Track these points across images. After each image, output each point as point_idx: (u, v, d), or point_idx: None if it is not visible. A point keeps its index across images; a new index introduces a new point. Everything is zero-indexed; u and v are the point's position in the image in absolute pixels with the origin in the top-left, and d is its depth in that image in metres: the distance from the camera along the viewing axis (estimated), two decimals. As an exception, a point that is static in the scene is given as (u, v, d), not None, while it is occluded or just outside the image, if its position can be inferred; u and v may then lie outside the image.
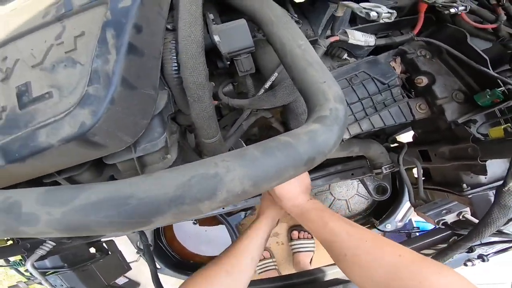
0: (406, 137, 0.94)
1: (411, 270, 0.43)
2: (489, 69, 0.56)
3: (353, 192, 1.22)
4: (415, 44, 0.65)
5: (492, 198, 0.64)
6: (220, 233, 1.21)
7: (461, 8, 0.55)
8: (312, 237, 1.28)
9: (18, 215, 0.28)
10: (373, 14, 0.46)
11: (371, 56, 0.66)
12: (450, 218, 0.67)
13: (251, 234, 0.63)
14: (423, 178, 0.82)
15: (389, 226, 1.12)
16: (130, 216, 0.28)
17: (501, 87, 0.54)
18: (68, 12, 0.31)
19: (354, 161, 0.88)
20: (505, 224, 0.57)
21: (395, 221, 1.11)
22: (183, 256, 1.24)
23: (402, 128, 0.86)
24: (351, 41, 0.59)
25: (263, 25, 0.45)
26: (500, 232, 0.60)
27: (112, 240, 0.95)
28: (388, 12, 0.47)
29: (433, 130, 0.71)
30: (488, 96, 0.55)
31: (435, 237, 0.76)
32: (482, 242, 0.71)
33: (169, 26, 0.36)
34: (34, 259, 0.69)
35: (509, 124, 0.54)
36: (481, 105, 0.57)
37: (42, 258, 0.73)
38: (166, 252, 1.22)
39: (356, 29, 0.62)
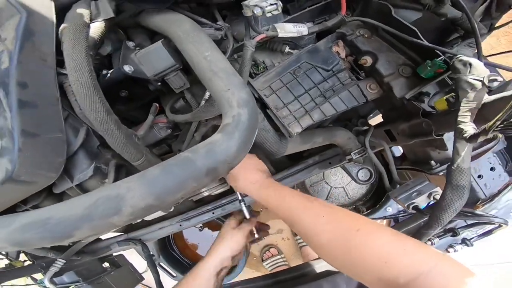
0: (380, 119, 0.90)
1: (372, 248, 0.39)
2: (422, 40, 0.52)
3: (348, 179, 1.18)
4: (353, 25, 0.62)
5: None
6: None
7: None
8: (279, 252, 1.27)
9: None
10: (257, 10, 0.46)
11: (310, 45, 0.64)
12: (421, 200, 0.64)
13: (194, 275, 0.60)
14: (400, 155, 0.78)
15: (389, 209, 1.06)
16: (53, 232, 0.34)
17: (441, 56, 0.50)
18: None
19: (329, 150, 0.86)
20: (479, 205, 0.53)
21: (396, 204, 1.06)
22: (196, 261, 1.31)
23: (371, 110, 0.82)
24: (281, 34, 0.58)
25: (175, 42, 0.47)
26: (473, 215, 0.56)
27: (122, 254, 1.05)
28: (272, 4, 0.46)
29: (391, 108, 0.67)
30: (429, 67, 0.52)
31: (413, 224, 0.73)
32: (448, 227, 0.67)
33: (64, 71, 0.40)
34: (50, 276, 0.80)
35: (451, 94, 0.49)
36: (424, 77, 0.54)
37: (59, 274, 0.83)
38: (180, 260, 1.29)
39: (287, 21, 0.62)
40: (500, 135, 0.50)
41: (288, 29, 0.59)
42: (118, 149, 0.41)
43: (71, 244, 0.69)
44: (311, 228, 0.47)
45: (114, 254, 1.01)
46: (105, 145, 0.47)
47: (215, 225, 1.35)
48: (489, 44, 1.37)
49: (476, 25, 0.51)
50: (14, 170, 0.34)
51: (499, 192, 0.64)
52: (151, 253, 0.98)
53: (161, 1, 0.46)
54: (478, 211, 0.55)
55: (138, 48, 0.51)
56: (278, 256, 1.30)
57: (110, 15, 0.45)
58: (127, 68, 0.47)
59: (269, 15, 0.49)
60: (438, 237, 0.65)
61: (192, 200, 1.04)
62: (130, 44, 0.51)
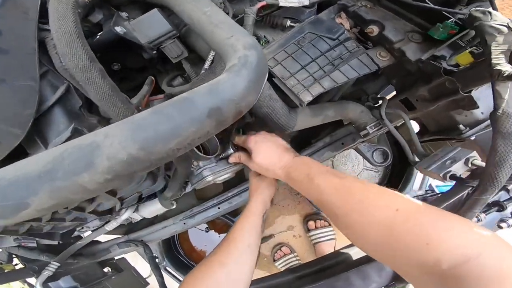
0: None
1: (412, 229, 0.31)
2: (428, 3, 0.45)
3: (360, 167, 1.07)
4: None
5: None
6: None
7: None
8: (330, 224, 1.14)
9: None
10: None
11: (313, 16, 0.58)
12: (458, 168, 0.53)
13: (242, 220, 0.56)
14: (418, 131, 0.69)
15: (419, 193, 0.95)
16: (4, 199, 0.23)
17: (450, 18, 0.44)
18: None
19: (341, 129, 0.76)
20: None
21: (413, 190, 0.95)
22: (203, 265, 1.18)
23: (380, 88, 0.74)
24: (281, 3, 0.52)
25: (173, 8, 0.40)
26: None
27: (124, 258, 0.92)
28: None
29: (405, 74, 0.59)
30: (441, 29, 0.46)
31: (454, 198, 0.62)
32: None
33: (46, 27, 0.34)
34: (42, 280, 0.68)
35: (474, 47, 0.42)
36: (438, 39, 0.47)
37: (54, 278, 0.72)
38: (187, 263, 1.16)
39: None
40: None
41: None
42: (102, 102, 0.31)
43: (59, 242, 0.58)
44: (342, 208, 0.40)
45: (116, 257, 0.89)
46: (91, 109, 0.38)
47: (221, 226, 1.23)
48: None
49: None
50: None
51: None
52: (155, 255, 0.86)
53: None
54: None
55: (131, 18, 0.44)
56: (291, 255, 1.16)
57: None
58: (119, 29, 0.39)
59: None
60: (483, 212, 0.54)
61: (195, 196, 0.94)
62: (123, 14, 0.44)
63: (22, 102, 0.30)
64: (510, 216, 0.52)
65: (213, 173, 0.61)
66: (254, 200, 0.59)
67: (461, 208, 0.41)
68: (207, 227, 1.18)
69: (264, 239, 1.23)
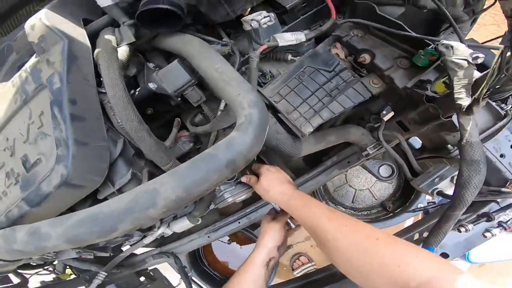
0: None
1: (388, 255, 0.44)
2: (409, 32, 0.56)
3: (373, 179, 1.16)
4: (346, 26, 0.67)
5: (486, 152, 0.60)
6: (251, 247, 1.27)
7: None
8: (309, 260, 1.23)
9: (39, 235, 0.42)
10: (254, 24, 0.52)
11: (311, 50, 0.70)
12: (445, 185, 0.63)
13: (242, 272, 0.63)
14: (419, 148, 0.78)
15: (421, 205, 1.03)
16: (101, 226, 0.40)
17: (431, 45, 0.54)
18: (27, 98, 0.45)
19: (347, 149, 0.88)
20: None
21: (425, 199, 1.02)
22: (227, 274, 1.33)
23: (382, 107, 0.84)
24: (281, 44, 0.64)
25: (189, 60, 0.55)
26: (499, 192, 0.55)
27: (156, 268, 1.10)
28: (265, 17, 0.53)
29: (398, 100, 0.69)
30: (422, 56, 0.55)
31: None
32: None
33: (103, 90, 0.49)
34: (93, 288, 0.87)
35: (447, 77, 0.52)
36: (421, 65, 0.57)
37: (101, 287, 0.90)
38: (211, 274, 1.32)
39: (285, 31, 0.67)
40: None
41: (287, 38, 0.65)
42: (150, 154, 0.47)
43: (111, 254, 0.76)
44: (332, 234, 0.51)
45: (149, 268, 1.07)
46: (139, 154, 0.54)
47: (242, 239, 1.37)
48: (490, 31, 1.36)
49: (447, 11, 0.55)
50: (68, 175, 0.42)
51: None
52: (184, 265, 1.02)
53: (172, 26, 0.54)
54: (505, 189, 0.53)
55: (157, 68, 0.60)
56: (309, 264, 1.27)
57: (131, 40, 0.54)
58: (151, 85, 0.55)
59: (264, 26, 0.56)
60: (472, 223, 0.62)
61: (218, 212, 1.10)
62: (151, 65, 0.60)
63: (100, 159, 0.46)
64: (496, 226, 0.60)
65: (232, 195, 0.75)
66: (257, 250, 0.65)
67: (437, 223, 0.52)
68: (229, 240, 1.33)
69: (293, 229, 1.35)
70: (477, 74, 0.46)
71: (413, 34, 0.58)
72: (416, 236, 0.72)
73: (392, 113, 0.75)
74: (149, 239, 0.89)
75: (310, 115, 0.67)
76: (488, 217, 0.60)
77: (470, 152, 0.46)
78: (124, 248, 0.97)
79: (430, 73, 0.59)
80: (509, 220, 0.59)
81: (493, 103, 0.58)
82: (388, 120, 0.75)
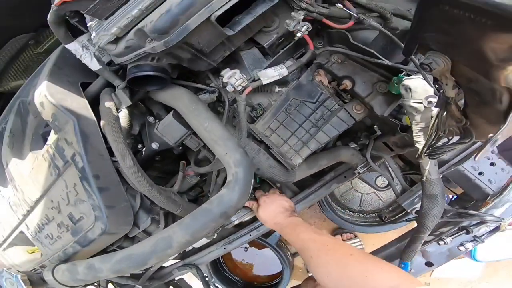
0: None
1: (359, 267, 0.61)
2: (382, 59, 0.66)
3: (378, 184, 1.30)
4: (327, 53, 0.79)
5: (465, 171, 0.73)
6: (269, 252, 1.49)
7: (303, 29, 0.69)
8: (356, 236, 1.40)
9: (94, 269, 0.65)
10: (229, 88, 0.70)
11: (295, 81, 0.82)
12: None
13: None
14: (407, 163, 0.91)
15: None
16: (136, 262, 0.63)
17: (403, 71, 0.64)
18: (59, 172, 0.66)
19: (343, 165, 1.02)
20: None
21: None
22: (248, 279, 1.57)
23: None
24: (265, 82, 0.78)
25: (182, 115, 0.72)
26: (467, 214, 0.68)
27: (182, 278, 1.36)
28: (238, 80, 0.70)
29: (382, 122, 0.82)
30: (396, 84, 0.65)
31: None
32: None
33: (115, 159, 0.67)
34: (131, 301, 1.15)
35: None
36: (395, 93, 0.68)
37: (137, 299, 1.18)
38: (233, 279, 1.57)
39: (268, 66, 0.79)
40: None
41: (270, 75, 0.78)
42: (162, 206, 0.68)
43: (143, 271, 1.01)
44: (315, 253, 0.69)
45: (176, 278, 1.33)
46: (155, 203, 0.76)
47: (258, 244, 1.60)
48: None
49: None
50: (106, 229, 0.64)
51: (507, 185, 0.73)
52: (205, 275, 1.27)
53: (160, 83, 0.71)
54: (472, 211, 0.67)
55: (157, 120, 0.78)
56: (356, 240, 1.45)
57: (128, 103, 0.71)
58: (154, 146, 0.75)
59: (239, 88, 0.71)
60: (451, 235, 0.77)
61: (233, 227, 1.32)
62: (151, 119, 0.78)
63: (126, 214, 0.68)
64: (471, 240, 0.73)
65: (238, 218, 0.95)
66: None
67: (408, 243, 0.67)
68: (246, 246, 1.57)
69: (297, 253, 1.56)
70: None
71: (385, 61, 0.68)
72: None
73: (379, 133, 0.87)
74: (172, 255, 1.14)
75: (299, 147, 0.83)
76: (467, 230, 0.73)
77: (429, 188, 0.61)
78: (152, 263, 1.24)
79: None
80: (484, 234, 0.73)
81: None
82: (376, 140, 0.88)
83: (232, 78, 0.70)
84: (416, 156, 0.59)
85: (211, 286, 1.47)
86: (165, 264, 1.30)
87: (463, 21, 0.28)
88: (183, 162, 0.85)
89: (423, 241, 0.67)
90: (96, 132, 0.67)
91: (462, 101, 0.42)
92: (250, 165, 0.65)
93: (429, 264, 0.82)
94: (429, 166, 0.60)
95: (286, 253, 1.45)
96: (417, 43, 0.38)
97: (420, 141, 0.60)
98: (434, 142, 0.51)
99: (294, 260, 1.52)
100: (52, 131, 0.66)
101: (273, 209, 0.87)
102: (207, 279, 1.31)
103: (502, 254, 1.11)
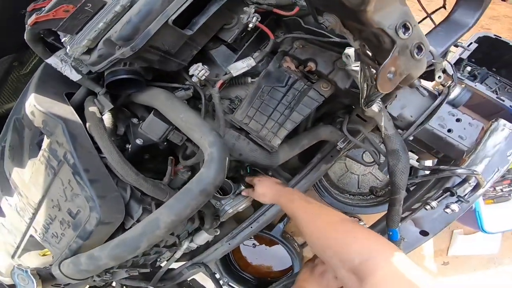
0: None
1: (338, 234, 0.63)
2: (331, 37, 0.74)
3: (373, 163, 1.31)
4: (289, 40, 0.86)
5: (434, 130, 0.76)
6: (278, 247, 1.52)
7: (253, 20, 0.76)
8: (360, 219, 1.41)
9: (94, 257, 0.71)
10: (194, 79, 0.78)
11: (264, 71, 0.88)
12: None
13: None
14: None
15: None
16: (129, 245, 0.68)
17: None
18: (55, 171, 0.73)
19: (327, 145, 1.06)
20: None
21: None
22: (260, 276, 1.60)
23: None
24: (235, 74, 0.86)
25: (161, 112, 0.79)
26: (439, 170, 0.70)
27: (194, 278, 1.41)
28: (201, 70, 0.78)
29: (351, 97, 0.86)
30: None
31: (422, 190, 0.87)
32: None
33: (103, 155, 0.74)
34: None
35: None
36: None
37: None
38: (245, 277, 1.60)
39: (237, 59, 0.88)
40: (462, 86, 0.66)
41: (239, 67, 0.86)
42: (150, 194, 0.75)
43: (150, 270, 1.08)
44: (305, 222, 0.73)
45: (188, 279, 1.38)
46: (145, 193, 0.82)
47: (268, 241, 1.63)
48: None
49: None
50: (100, 218, 0.70)
51: (480, 139, 0.75)
52: (216, 273, 1.31)
53: (137, 86, 0.78)
54: (442, 166, 0.69)
55: (141, 121, 0.85)
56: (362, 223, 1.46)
57: (110, 107, 0.79)
58: (138, 141, 0.82)
59: (202, 78, 0.78)
60: (436, 199, 0.78)
61: (235, 221, 1.36)
62: (135, 120, 0.86)
63: (117, 203, 0.74)
64: (455, 201, 0.74)
65: (232, 207, 1.00)
66: None
67: (388, 208, 0.70)
68: (254, 243, 1.60)
69: (305, 244, 1.57)
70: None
71: (334, 39, 0.75)
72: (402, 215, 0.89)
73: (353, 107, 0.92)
74: (178, 254, 1.19)
75: (276, 129, 0.88)
76: (451, 192, 0.75)
77: (389, 144, 0.64)
78: (162, 264, 1.29)
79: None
80: (466, 193, 0.74)
81: (425, 86, 0.74)
82: (351, 114, 0.92)
83: (196, 70, 0.78)
84: (361, 110, 0.63)
85: (224, 286, 1.51)
86: (175, 265, 1.35)
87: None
88: (171, 157, 0.91)
89: (401, 202, 0.68)
90: (83, 133, 0.74)
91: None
92: (223, 145, 0.70)
93: (423, 233, 0.82)
94: (383, 122, 0.64)
95: (293, 244, 1.47)
96: (314, 8, 0.44)
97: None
98: (369, 92, 0.55)
99: (302, 251, 1.54)
100: (45, 136, 0.74)
101: (268, 183, 0.93)
102: (217, 276, 1.35)
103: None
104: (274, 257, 1.61)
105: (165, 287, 1.30)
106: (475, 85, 1.38)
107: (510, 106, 1.30)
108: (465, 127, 0.76)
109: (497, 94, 1.42)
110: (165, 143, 0.87)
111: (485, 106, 1.39)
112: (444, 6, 0.96)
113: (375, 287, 0.49)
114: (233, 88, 0.97)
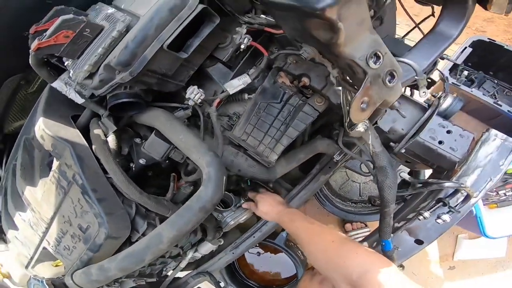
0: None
1: (338, 252, 0.68)
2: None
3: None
4: (283, 56, 0.88)
5: (425, 142, 0.78)
6: (282, 254, 1.54)
7: (245, 41, 0.81)
8: (366, 225, 1.42)
9: (104, 269, 0.75)
10: (190, 102, 0.81)
11: (260, 87, 0.92)
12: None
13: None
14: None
15: None
16: (136, 258, 0.72)
17: None
18: (65, 191, 0.78)
19: (325, 157, 1.09)
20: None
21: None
22: (266, 283, 1.62)
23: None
24: (232, 92, 0.90)
25: (162, 132, 0.83)
26: (428, 183, 0.73)
27: (199, 287, 1.44)
28: (196, 94, 0.82)
29: None
30: None
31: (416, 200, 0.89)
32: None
33: (109, 176, 0.79)
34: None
35: None
36: None
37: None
38: (251, 285, 1.62)
39: (233, 77, 0.91)
40: (453, 95, 0.68)
41: (235, 85, 0.90)
42: (154, 210, 0.79)
43: (157, 279, 1.12)
44: (306, 241, 0.78)
45: (194, 287, 1.42)
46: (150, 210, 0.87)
47: (273, 249, 1.65)
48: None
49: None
50: (108, 233, 0.74)
51: (471, 150, 0.77)
52: (221, 282, 1.35)
53: (138, 107, 0.82)
54: (431, 180, 0.72)
55: (143, 140, 0.89)
56: (366, 229, 1.47)
57: (114, 128, 0.83)
58: (142, 161, 0.86)
59: (198, 101, 0.82)
60: (429, 209, 0.80)
61: (239, 230, 1.39)
62: (138, 140, 0.90)
63: (123, 219, 0.79)
64: (447, 211, 0.75)
65: (233, 219, 1.04)
66: None
67: (380, 220, 0.72)
68: (258, 252, 1.63)
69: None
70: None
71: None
72: (397, 224, 0.91)
73: None
74: (184, 263, 1.24)
75: (273, 144, 0.92)
76: (443, 202, 0.77)
77: (377, 161, 0.67)
78: (168, 274, 1.33)
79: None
80: (457, 204, 0.76)
81: (415, 98, 0.76)
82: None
83: (192, 94, 0.82)
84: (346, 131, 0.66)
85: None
86: (180, 274, 1.39)
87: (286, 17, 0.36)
88: (174, 174, 0.96)
89: (391, 215, 0.71)
90: (89, 155, 0.79)
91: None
92: (220, 164, 0.74)
93: (418, 242, 0.84)
94: (371, 140, 0.66)
95: (296, 252, 1.49)
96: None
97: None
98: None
99: (306, 259, 1.56)
100: (54, 159, 0.79)
101: (271, 201, 0.97)
102: (221, 284, 1.38)
103: (512, 227, 1.09)
104: (279, 264, 1.63)
105: (171, 298, 1.34)
106: (471, 91, 1.39)
107: (508, 111, 1.30)
108: (456, 138, 0.77)
109: (495, 97, 1.42)
110: (167, 161, 0.91)
111: (484, 111, 1.39)
112: (433, 14, 0.98)
113: None
114: (231, 104, 1.01)
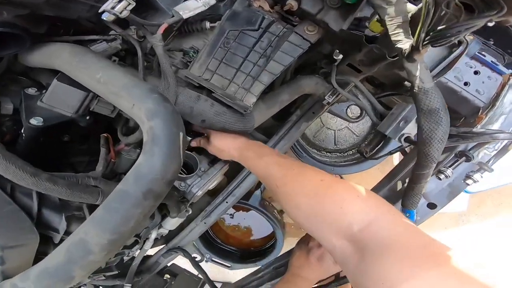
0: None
1: (332, 196, 0.42)
2: None
3: (349, 116, 1.11)
4: None
5: (448, 83, 0.53)
6: (256, 215, 1.32)
7: None
8: (341, 177, 1.25)
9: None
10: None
11: (227, 11, 0.58)
12: (411, 128, 0.58)
13: None
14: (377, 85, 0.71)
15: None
16: (58, 277, 0.40)
17: None
18: None
19: (308, 99, 0.81)
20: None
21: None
22: (243, 246, 1.43)
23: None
24: (186, 16, 0.54)
25: (68, 75, 0.47)
26: (472, 134, 0.49)
27: (174, 263, 1.19)
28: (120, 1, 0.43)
29: (342, 42, 0.59)
30: None
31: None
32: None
33: None
34: (120, 300, 0.96)
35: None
36: (351, 3, 0.47)
37: (128, 297, 1.00)
38: (228, 250, 1.42)
39: None
40: (470, 37, 0.43)
41: (192, 7, 0.54)
42: (66, 198, 0.44)
43: (118, 272, 0.82)
44: (281, 180, 0.50)
45: (168, 264, 1.15)
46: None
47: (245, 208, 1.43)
48: None
49: None
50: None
51: (498, 94, 0.55)
52: (196, 256, 1.09)
53: (20, 44, 0.45)
54: (478, 129, 0.48)
55: (44, 91, 0.51)
56: None
57: None
58: (34, 122, 0.48)
59: (124, 13, 0.45)
60: (450, 166, 0.58)
61: (208, 195, 1.11)
62: (31, 91, 0.52)
63: (16, 219, 0.44)
64: (477, 169, 0.55)
65: (200, 188, 0.74)
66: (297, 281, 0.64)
67: (409, 184, 0.48)
68: (231, 214, 1.40)
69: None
70: (412, 8, 0.37)
71: None
72: (399, 185, 0.69)
73: (341, 56, 0.66)
74: (148, 245, 0.94)
75: (249, 83, 0.59)
76: (466, 156, 0.55)
77: (426, 101, 0.39)
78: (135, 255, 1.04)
79: (366, 9, 0.49)
80: (490, 159, 0.55)
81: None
82: (339, 64, 0.66)
83: (111, 2, 0.44)
84: (406, 54, 0.38)
85: (208, 262, 1.32)
86: (150, 253, 1.11)
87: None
88: (105, 135, 0.60)
89: (428, 178, 0.48)
90: None
91: None
92: (172, 112, 0.41)
93: (431, 205, 0.64)
94: (419, 72, 0.39)
95: (272, 212, 1.28)
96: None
97: (401, 40, 0.39)
98: (432, 23, 0.30)
99: (283, 217, 1.37)
100: None
101: (228, 135, 0.65)
102: (197, 259, 1.14)
103: (489, 183, 0.98)
104: (253, 225, 1.44)
105: (143, 280, 1.06)
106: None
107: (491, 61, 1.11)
108: (484, 80, 0.55)
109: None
110: (87, 118, 0.54)
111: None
112: None
113: (381, 259, 0.32)
114: (186, 37, 0.64)
